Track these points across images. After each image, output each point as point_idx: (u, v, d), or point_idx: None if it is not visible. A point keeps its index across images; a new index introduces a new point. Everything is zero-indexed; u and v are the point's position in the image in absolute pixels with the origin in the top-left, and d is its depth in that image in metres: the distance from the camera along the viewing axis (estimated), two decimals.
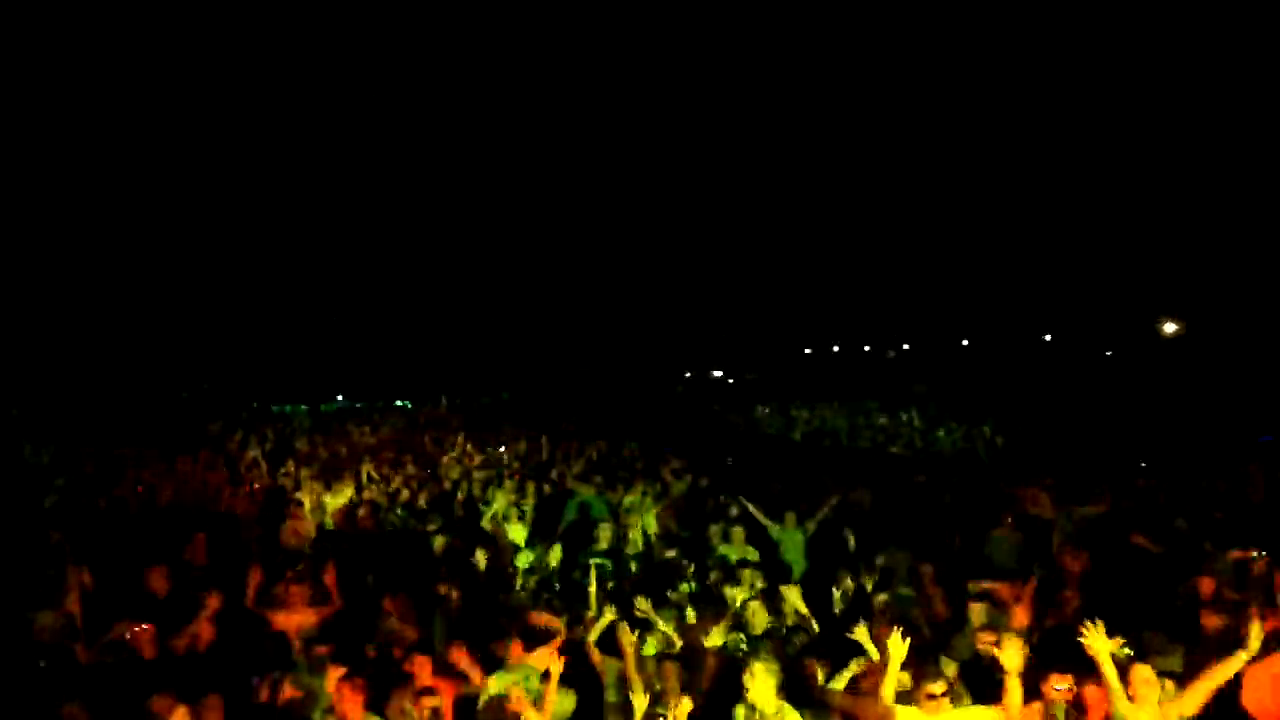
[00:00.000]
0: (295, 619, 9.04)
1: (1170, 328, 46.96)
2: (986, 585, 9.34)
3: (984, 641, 7.88)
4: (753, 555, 10.84)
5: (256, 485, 16.02)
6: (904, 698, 6.55)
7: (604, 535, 11.54)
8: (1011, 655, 6.34)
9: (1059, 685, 6.39)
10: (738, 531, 11.33)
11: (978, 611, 8.46)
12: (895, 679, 6.47)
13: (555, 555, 10.95)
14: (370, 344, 54.06)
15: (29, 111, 40.56)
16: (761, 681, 6.35)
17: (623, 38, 56.30)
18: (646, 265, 62.26)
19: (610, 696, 7.54)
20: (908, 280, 58.21)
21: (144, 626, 7.80)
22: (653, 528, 12.47)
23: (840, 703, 6.96)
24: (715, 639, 7.93)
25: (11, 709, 6.63)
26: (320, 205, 53.01)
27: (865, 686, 6.94)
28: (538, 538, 12.12)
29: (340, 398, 44.42)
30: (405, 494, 15.16)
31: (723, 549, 10.99)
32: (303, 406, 39.27)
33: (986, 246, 52.42)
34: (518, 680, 7.01)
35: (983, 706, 6.62)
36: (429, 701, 6.82)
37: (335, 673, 7.42)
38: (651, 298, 63.31)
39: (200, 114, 46.71)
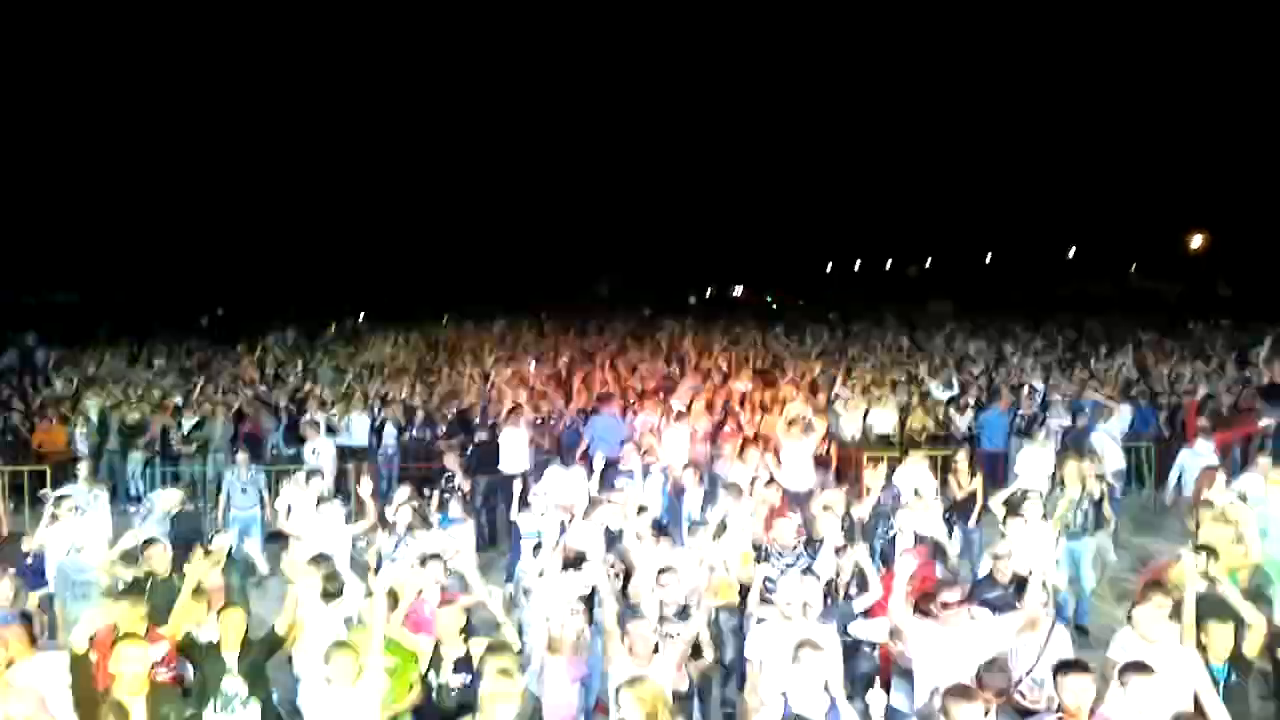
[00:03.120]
0: None
1: (1196, 241, 46.43)
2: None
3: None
4: None
5: None
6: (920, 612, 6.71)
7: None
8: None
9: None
10: None
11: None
12: (904, 594, 6.60)
13: None
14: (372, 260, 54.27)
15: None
16: None
17: None
18: (670, 179, 61.85)
19: None
20: (930, 195, 57.60)
21: None
22: None
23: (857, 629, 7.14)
24: None
25: None
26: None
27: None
28: None
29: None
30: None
31: None
32: None
33: (1010, 160, 51.68)
34: None
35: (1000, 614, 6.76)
36: None
37: None
38: (675, 212, 62.98)
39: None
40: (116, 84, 43.03)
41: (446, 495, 10.67)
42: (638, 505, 9.10)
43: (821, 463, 12.52)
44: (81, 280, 40.41)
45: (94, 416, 15.72)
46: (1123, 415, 14.86)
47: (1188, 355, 19.44)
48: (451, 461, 11.87)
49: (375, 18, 53.65)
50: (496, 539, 12.94)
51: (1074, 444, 12.89)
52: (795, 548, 8.16)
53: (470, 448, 13.39)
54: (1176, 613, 6.24)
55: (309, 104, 51.12)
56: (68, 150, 41.66)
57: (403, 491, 9.93)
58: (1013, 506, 9.06)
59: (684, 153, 61.36)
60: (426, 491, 10.99)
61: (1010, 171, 51.76)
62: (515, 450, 13.12)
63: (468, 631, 6.78)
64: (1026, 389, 15.77)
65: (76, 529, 9.26)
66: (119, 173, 43.84)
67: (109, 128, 43.14)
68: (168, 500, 10.48)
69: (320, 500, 10.12)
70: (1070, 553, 9.74)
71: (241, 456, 12.54)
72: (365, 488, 9.92)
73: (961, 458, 11.22)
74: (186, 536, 9.21)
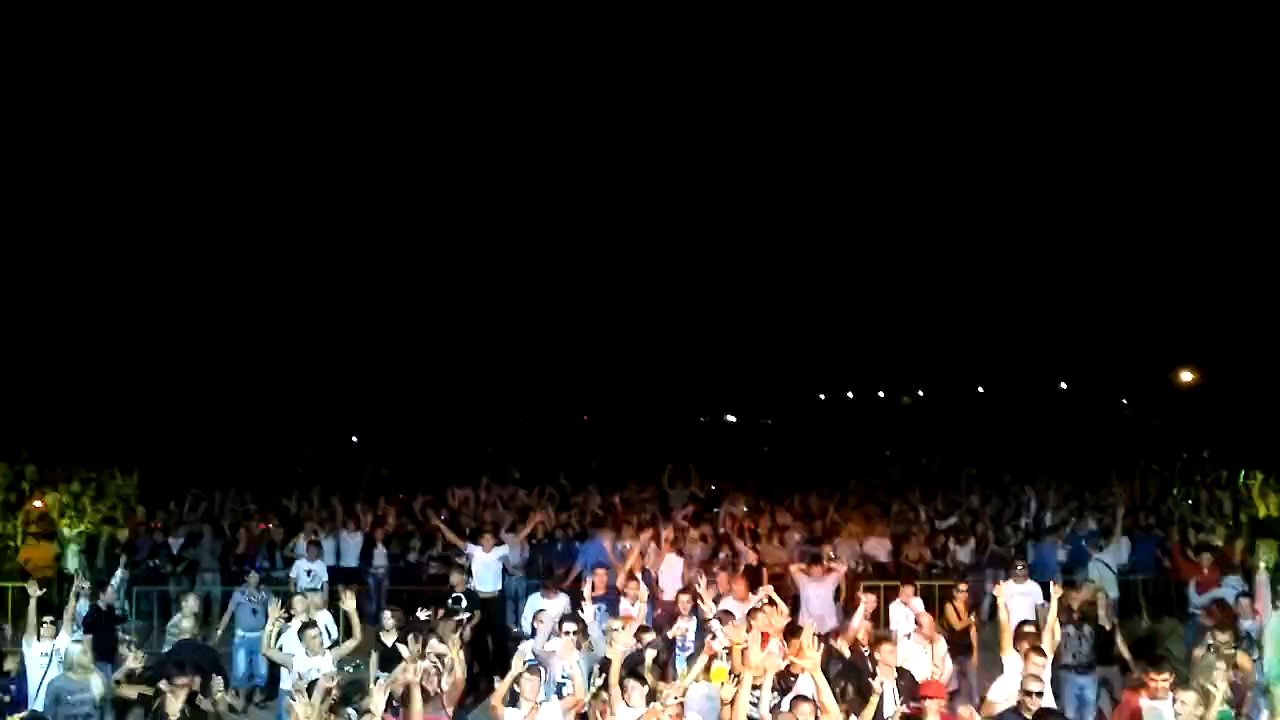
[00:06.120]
0: None
1: (1187, 377, 46.68)
2: None
3: None
4: None
5: None
6: None
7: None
8: None
9: None
10: None
11: None
12: None
13: None
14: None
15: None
16: None
17: (625, 93, 57.47)
18: (662, 308, 62.53)
19: None
20: (922, 326, 58.19)
21: None
22: None
23: None
24: None
25: None
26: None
27: None
28: None
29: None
30: None
31: None
32: None
33: (1002, 292, 52.40)
34: None
35: None
36: None
37: None
38: (668, 341, 63.46)
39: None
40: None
41: (456, 609, 10.57)
42: (638, 626, 8.96)
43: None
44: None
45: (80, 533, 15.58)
46: (1122, 547, 14.77)
47: (1179, 488, 19.41)
48: (456, 579, 11.64)
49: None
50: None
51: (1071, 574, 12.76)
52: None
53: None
54: None
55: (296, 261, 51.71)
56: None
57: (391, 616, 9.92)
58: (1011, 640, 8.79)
59: (676, 284, 62.33)
60: (421, 612, 10.67)
61: (1003, 305, 52.45)
62: (486, 572, 12.78)
63: None
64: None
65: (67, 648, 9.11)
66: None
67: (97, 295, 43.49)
68: (185, 626, 10.32)
69: (307, 624, 9.82)
70: (1075, 686, 9.53)
71: (253, 576, 12.44)
72: (349, 603, 9.66)
73: (960, 591, 11.08)
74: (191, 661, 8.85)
